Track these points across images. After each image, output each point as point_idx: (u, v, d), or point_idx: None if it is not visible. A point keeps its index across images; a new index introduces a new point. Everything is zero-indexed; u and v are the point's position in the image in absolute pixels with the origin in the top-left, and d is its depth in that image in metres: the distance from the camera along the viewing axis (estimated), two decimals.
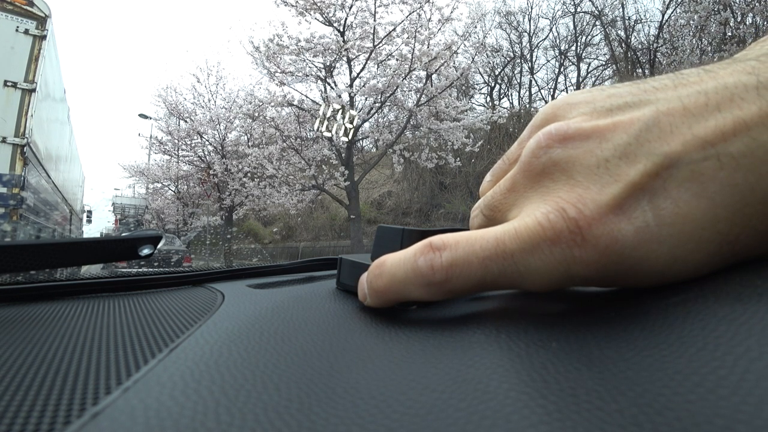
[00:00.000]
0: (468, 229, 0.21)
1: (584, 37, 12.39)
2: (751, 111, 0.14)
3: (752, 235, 0.14)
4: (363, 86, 6.91)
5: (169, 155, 11.11)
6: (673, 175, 0.14)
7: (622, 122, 0.15)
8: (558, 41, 12.87)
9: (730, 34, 6.78)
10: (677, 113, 0.14)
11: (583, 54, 12.49)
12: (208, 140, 9.81)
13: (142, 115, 12.76)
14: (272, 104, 7.01)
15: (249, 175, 8.25)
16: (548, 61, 13.57)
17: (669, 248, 0.14)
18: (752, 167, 0.13)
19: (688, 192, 0.14)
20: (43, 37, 3.33)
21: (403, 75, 6.49)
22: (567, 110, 0.18)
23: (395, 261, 0.18)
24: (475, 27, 6.78)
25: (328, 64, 6.83)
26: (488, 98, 13.53)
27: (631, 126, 0.15)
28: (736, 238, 0.14)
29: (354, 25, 6.59)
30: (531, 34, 12.93)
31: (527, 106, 12.39)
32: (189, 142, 10.41)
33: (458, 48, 6.62)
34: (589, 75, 12.38)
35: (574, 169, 0.15)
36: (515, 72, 13.37)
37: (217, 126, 9.64)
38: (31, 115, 3.22)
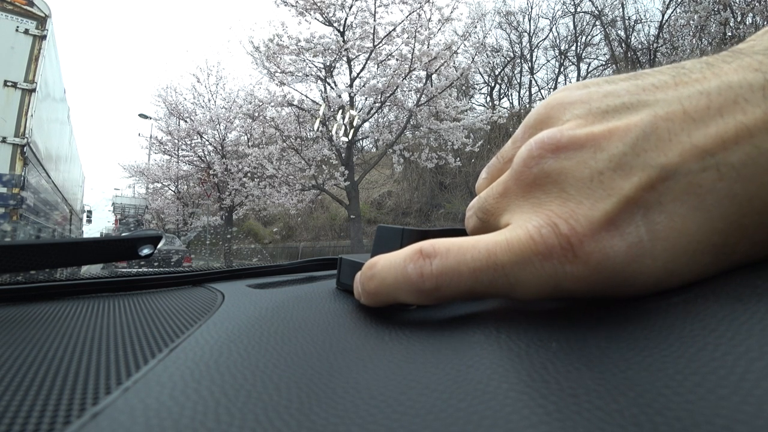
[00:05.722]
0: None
1: (584, 37, 12.43)
2: (755, 115, 0.13)
3: (749, 245, 0.14)
4: (363, 86, 6.91)
5: (169, 155, 11.11)
6: (670, 187, 0.13)
7: (618, 129, 0.14)
8: (558, 41, 12.92)
9: (730, 34, 6.78)
10: (677, 118, 0.14)
11: (583, 54, 12.52)
12: (208, 140, 9.80)
13: (142, 115, 12.76)
14: (272, 104, 7.01)
15: (249, 175, 8.25)
16: (548, 61, 13.62)
17: (663, 263, 0.14)
18: (753, 177, 0.13)
19: (685, 205, 0.13)
20: (43, 37, 3.33)
21: (403, 75, 6.49)
22: (561, 111, 0.17)
23: (386, 264, 0.18)
24: (475, 27, 6.77)
25: (328, 64, 6.82)
26: (488, 98, 13.56)
27: (627, 134, 0.14)
28: (733, 249, 0.14)
29: (354, 25, 6.59)
30: (531, 34, 12.96)
31: (527, 106, 12.41)
32: (189, 142, 10.41)
33: (458, 48, 6.62)
34: (589, 75, 12.38)
35: (567, 182, 0.15)
36: (515, 72, 13.40)
37: (217, 126, 9.63)
38: (31, 115, 3.22)
